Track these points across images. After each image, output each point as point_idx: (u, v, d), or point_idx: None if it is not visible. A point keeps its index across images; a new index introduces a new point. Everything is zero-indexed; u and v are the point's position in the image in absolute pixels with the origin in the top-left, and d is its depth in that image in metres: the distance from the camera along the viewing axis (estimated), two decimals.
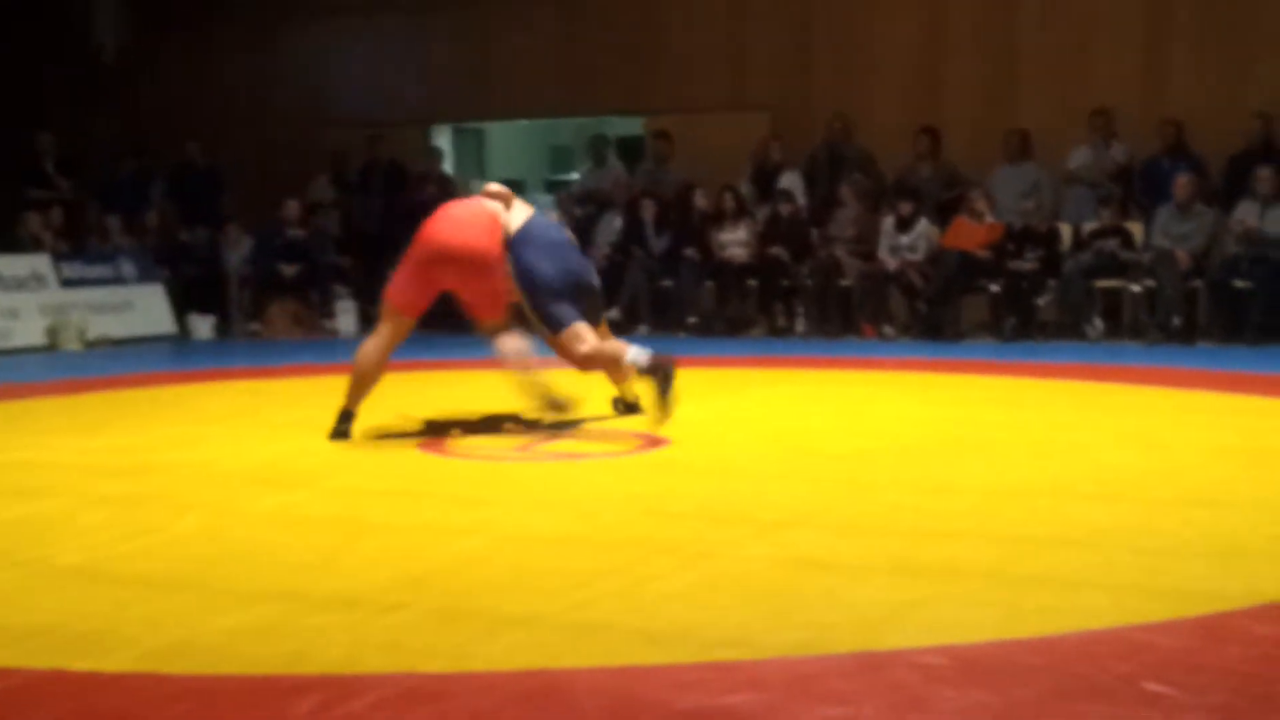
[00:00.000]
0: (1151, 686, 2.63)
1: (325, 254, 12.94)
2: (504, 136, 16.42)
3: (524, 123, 15.81)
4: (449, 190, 14.22)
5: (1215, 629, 3.01)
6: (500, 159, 16.46)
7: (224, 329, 12.58)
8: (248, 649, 3.00)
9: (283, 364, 9.70)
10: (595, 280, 6.41)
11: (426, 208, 13.35)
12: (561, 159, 17.00)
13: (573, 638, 3.04)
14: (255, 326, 12.50)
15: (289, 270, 12.38)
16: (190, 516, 4.40)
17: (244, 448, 5.82)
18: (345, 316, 12.54)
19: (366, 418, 6.08)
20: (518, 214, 6.23)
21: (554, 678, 2.78)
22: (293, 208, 12.64)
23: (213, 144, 13.76)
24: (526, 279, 6.10)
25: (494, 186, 6.44)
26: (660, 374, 5.93)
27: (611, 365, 6.33)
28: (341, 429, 5.97)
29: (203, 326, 12.26)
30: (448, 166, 14.58)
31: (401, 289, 6.14)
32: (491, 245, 6.09)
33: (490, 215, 6.17)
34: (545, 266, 6.11)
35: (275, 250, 12.48)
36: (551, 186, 15.74)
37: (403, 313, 6.13)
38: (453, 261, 6.06)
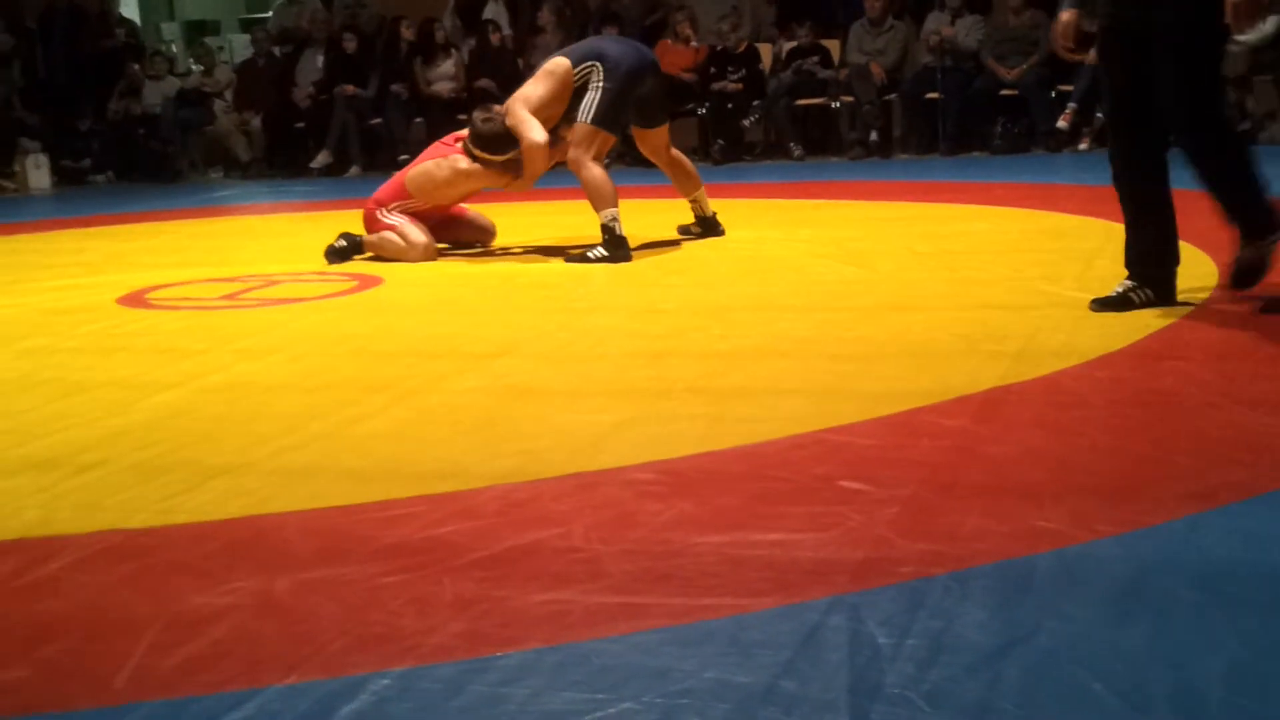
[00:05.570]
0: (848, 484, 2.74)
1: (9, 108, 12.19)
2: None
3: None
4: (136, 36, 13.51)
5: (906, 425, 3.15)
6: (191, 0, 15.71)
7: None
8: None
9: None
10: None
11: (114, 55, 12.61)
12: None
13: (282, 483, 2.99)
14: None
15: None
16: None
17: None
18: (38, 171, 11.88)
19: (55, 275, 5.79)
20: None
21: (263, 523, 2.73)
22: None
23: None
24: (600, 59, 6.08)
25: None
26: (615, 245, 5.90)
27: (682, 178, 6.48)
28: None
29: None
30: (133, 11, 13.82)
31: None
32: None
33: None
34: (612, 47, 6.19)
35: None
36: (247, 25, 15.11)
37: None
38: None
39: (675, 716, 1.84)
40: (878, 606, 2.14)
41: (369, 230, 6.35)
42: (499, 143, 6.11)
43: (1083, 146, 10.04)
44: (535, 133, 6.00)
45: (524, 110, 6.05)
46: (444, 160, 6.27)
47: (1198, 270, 4.69)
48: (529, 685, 1.95)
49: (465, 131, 6.31)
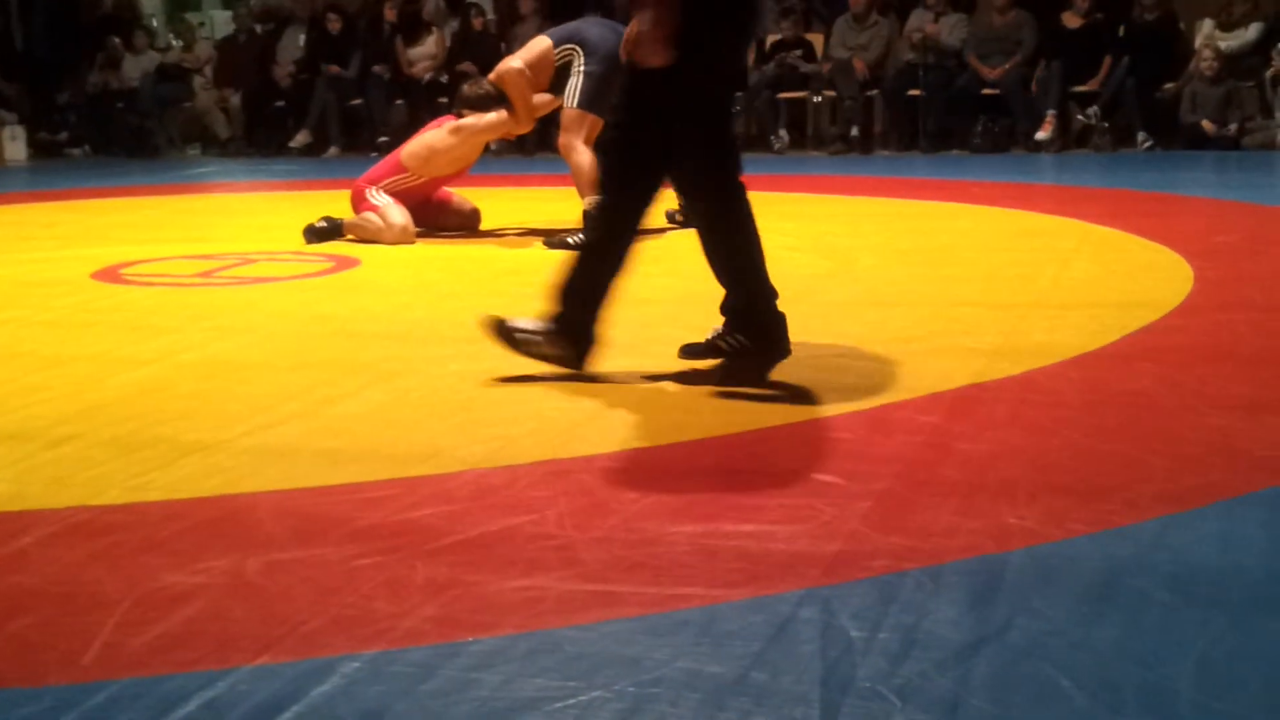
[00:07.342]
0: (822, 477, 2.75)
1: None
2: None
3: None
4: (127, 5, 13.41)
5: (881, 420, 3.15)
6: None
7: None
8: None
9: None
10: None
11: (102, 26, 12.50)
12: None
13: (256, 462, 2.97)
14: None
15: None
16: None
17: None
18: (14, 143, 11.80)
19: (29, 248, 5.74)
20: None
21: (236, 502, 2.72)
22: None
23: None
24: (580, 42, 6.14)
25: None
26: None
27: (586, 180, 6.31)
28: None
29: None
30: None
31: None
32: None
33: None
34: (594, 30, 6.21)
35: None
36: (229, 2, 15.01)
37: None
38: None
39: (646, 705, 1.84)
40: (850, 600, 2.15)
41: (355, 208, 6.33)
42: (486, 104, 6.29)
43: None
44: (510, 61, 6.20)
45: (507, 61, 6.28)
46: (440, 129, 6.40)
47: (1174, 274, 4.71)
48: (500, 671, 1.95)
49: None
